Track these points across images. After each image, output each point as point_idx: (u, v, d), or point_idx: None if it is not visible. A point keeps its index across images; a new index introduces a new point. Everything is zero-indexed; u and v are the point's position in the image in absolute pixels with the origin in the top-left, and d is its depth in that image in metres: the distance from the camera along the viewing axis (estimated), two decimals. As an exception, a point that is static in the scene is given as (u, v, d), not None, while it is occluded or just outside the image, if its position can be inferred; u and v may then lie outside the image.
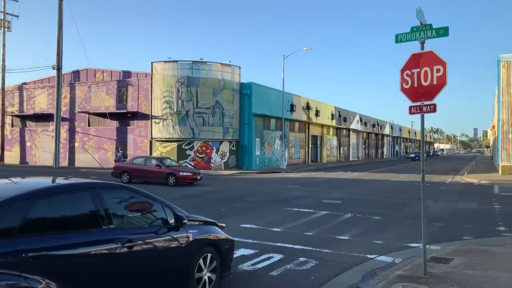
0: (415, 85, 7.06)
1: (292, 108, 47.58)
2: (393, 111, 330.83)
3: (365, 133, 77.40)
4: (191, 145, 37.92)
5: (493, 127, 61.07)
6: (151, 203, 5.51)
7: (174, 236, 5.45)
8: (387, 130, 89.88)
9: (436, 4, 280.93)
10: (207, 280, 5.88)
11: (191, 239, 5.67)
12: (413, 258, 8.03)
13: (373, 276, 7.13)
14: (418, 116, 7.20)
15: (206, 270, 5.88)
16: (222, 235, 6.44)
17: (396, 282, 6.48)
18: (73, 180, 5.41)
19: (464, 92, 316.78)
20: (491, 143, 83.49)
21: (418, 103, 7.08)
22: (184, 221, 5.54)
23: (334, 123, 60.86)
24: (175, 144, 37.76)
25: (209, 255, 5.96)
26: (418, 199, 14.64)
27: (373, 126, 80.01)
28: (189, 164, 37.75)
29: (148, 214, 5.46)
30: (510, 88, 34.01)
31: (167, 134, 37.75)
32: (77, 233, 4.47)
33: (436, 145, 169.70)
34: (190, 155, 37.89)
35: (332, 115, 60.09)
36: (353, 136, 71.30)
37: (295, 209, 14.77)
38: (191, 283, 5.63)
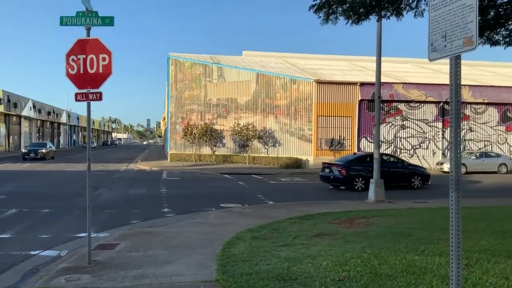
0: (81, 71, 6.90)
1: None
2: (71, 99, 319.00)
3: (39, 121, 71.77)
4: None
5: (164, 118, 67.48)
6: (397, 159, 22.65)
7: (405, 168, 20.71)
8: (64, 119, 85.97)
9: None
10: (417, 183, 20.13)
11: (409, 170, 20.54)
12: (80, 248, 7.90)
13: (35, 274, 6.61)
14: (90, 103, 7.08)
15: (416, 181, 20.13)
16: (423, 170, 21.15)
17: (59, 275, 6.20)
18: (367, 152, 24.78)
19: (142, 85, 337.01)
20: (163, 133, 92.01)
21: (84, 91, 6.96)
22: (407, 164, 21.30)
23: (2, 108, 53.79)
24: None
25: (415, 176, 20.21)
26: (91, 188, 14.52)
27: (49, 113, 74.97)
28: None
29: (397, 161, 21.71)
30: (178, 84, 38.14)
31: None
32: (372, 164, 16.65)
33: (114, 134, 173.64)
34: None
35: (0, 99, 52.95)
36: (25, 124, 64.91)
37: None
38: (410, 182, 20.14)
